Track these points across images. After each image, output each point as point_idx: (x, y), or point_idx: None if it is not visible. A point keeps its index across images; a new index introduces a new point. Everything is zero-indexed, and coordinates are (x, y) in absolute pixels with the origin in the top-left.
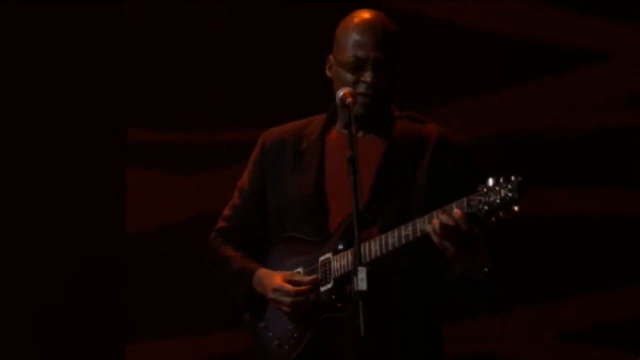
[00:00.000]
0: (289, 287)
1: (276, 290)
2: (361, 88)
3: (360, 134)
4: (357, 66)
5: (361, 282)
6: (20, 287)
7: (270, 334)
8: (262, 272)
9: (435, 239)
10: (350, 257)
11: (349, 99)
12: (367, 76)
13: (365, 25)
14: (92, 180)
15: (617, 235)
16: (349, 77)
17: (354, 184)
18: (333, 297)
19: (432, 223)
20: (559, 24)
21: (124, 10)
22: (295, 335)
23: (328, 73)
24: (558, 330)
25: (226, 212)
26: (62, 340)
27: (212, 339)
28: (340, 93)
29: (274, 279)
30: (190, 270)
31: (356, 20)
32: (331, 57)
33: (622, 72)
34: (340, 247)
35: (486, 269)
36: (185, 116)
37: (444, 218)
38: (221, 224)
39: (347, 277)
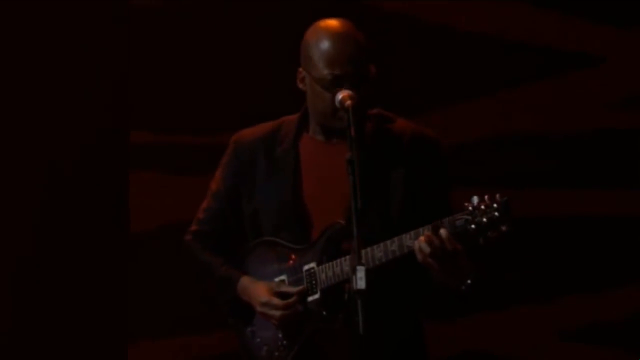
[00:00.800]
0: (277, 301)
1: (265, 304)
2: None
3: (334, 140)
4: (334, 83)
5: (360, 281)
6: (23, 288)
7: (258, 339)
8: (247, 280)
9: (419, 257)
10: (336, 268)
11: (348, 102)
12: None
13: (337, 39)
14: (94, 182)
15: (614, 235)
16: (327, 94)
17: (353, 184)
18: (321, 307)
19: (417, 241)
20: (554, 28)
21: (126, 13)
22: (284, 342)
23: (300, 86)
24: (556, 329)
25: (200, 215)
26: (65, 339)
27: (214, 338)
28: (340, 96)
29: (261, 291)
30: (192, 271)
31: (326, 33)
32: (301, 69)
33: (617, 75)
34: (325, 258)
35: (469, 281)
36: (187, 118)
37: (430, 237)
38: (195, 227)
39: (334, 288)
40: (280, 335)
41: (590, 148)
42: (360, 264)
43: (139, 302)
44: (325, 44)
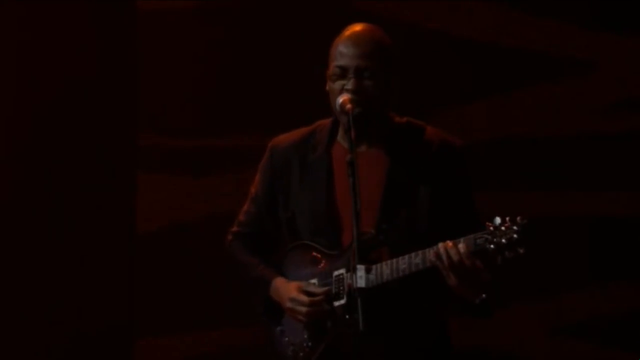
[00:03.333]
0: (304, 297)
1: (292, 300)
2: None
3: (363, 148)
4: (341, 75)
5: (360, 279)
6: (32, 286)
7: (286, 339)
8: (279, 281)
9: (439, 265)
10: (364, 275)
11: (348, 105)
12: (349, 84)
13: (352, 37)
14: (103, 183)
15: (609, 235)
16: (335, 87)
17: (353, 186)
18: (345, 312)
19: (437, 253)
20: (549, 35)
21: (134, 17)
22: (309, 344)
23: (326, 88)
24: (552, 326)
25: (241, 217)
26: (73, 337)
27: (219, 334)
28: (340, 100)
29: (290, 289)
30: (198, 270)
31: (346, 33)
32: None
33: (609, 80)
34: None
35: (484, 296)
36: (194, 121)
37: (450, 251)
38: (236, 228)
39: (361, 294)
40: (305, 337)
41: (584, 151)
42: (360, 263)
43: (148, 300)
44: (340, 41)
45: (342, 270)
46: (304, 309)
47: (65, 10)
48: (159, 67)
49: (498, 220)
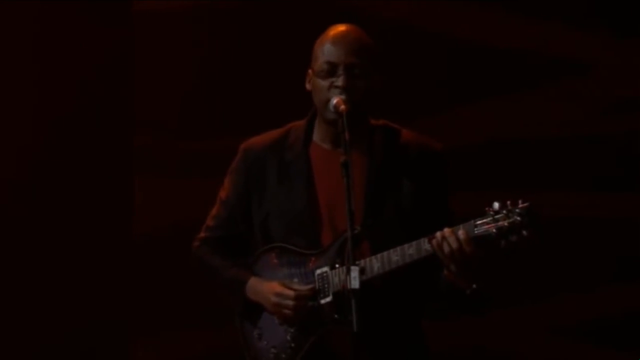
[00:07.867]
0: (290, 291)
1: (278, 294)
2: (334, 93)
3: (340, 150)
4: (330, 72)
5: (354, 280)
6: (30, 286)
7: (265, 342)
8: (256, 280)
9: (439, 253)
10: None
11: (342, 106)
12: (339, 80)
13: (339, 35)
14: (100, 184)
15: (606, 236)
16: (323, 83)
17: (347, 186)
18: (333, 310)
19: (436, 241)
20: (546, 37)
21: (131, 17)
22: (292, 345)
23: (308, 86)
24: (550, 327)
25: (210, 223)
26: (71, 337)
27: (217, 335)
28: (334, 101)
29: (273, 286)
30: (201, 276)
31: (331, 32)
32: (310, 71)
33: (607, 81)
34: (338, 262)
35: (474, 286)
36: (190, 122)
37: (449, 239)
38: (205, 234)
39: (345, 292)
40: (288, 338)
41: (582, 151)
42: (354, 264)
43: (144, 301)
44: (327, 38)
45: (325, 269)
46: (291, 303)
47: (62, 11)
48: (155, 68)
49: (497, 205)
